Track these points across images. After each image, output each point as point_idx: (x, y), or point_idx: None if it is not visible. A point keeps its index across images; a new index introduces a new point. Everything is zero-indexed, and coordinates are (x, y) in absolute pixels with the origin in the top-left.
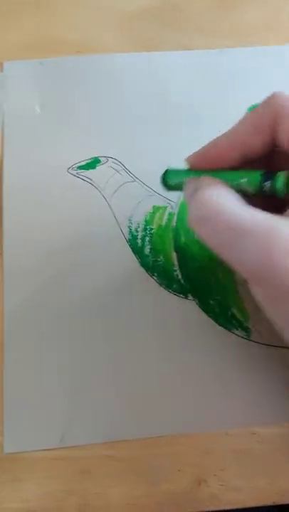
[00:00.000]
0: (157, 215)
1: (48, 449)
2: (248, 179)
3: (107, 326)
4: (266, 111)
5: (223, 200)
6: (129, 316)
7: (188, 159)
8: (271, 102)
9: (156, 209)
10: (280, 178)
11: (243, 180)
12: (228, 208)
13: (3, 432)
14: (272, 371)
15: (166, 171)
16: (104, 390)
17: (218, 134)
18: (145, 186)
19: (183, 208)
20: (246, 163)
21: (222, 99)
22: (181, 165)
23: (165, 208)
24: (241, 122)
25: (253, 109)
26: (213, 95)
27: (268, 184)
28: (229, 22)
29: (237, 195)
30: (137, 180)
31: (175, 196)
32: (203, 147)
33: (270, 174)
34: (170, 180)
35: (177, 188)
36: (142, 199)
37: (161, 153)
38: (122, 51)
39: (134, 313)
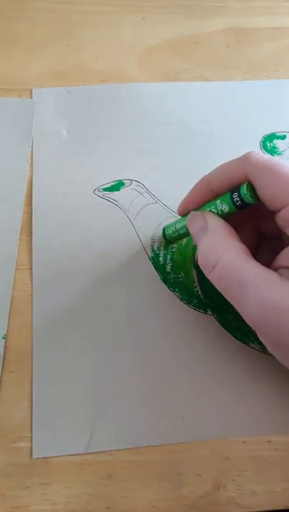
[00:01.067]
0: None
1: (74, 455)
2: (221, 199)
3: (131, 338)
4: (239, 167)
5: (229, 252)
6: (151, 329)
7: (178, 211)
8: (244, 159)
9: None
10: (243, 187)
11: (218, 201)
12: (233, 259)
13: (32, 438)
14: (287, 383)
15: (164, 228)
16: (128, 399)
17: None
18: (166, 208)
19: None
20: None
21: (238, 128)
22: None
23: None
24: (215, 173)
25: (227, 163)
26: (229, 123)
27: (235, 197)
28: (245, 57)
29: (243, 245)
30: (159, 202)
31: None
32: (185, 198)
33: (236, 188)
34: (167, 230)
35: (176, 237)
36: (164, 220)
37: (182, 177)
38: (143, 81)
39: (156, 326)
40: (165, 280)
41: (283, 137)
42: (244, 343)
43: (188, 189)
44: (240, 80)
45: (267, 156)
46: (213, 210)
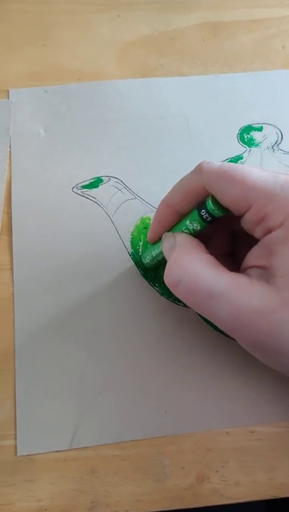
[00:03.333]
0: None
1: (58, 451)
2: (190, 219)
3: (113, 334)
4: (195, 181)
5: (195, 264)
6: (133, 324)
7: (149, 239)
8: (198, 172)
9: None
10: (209, 202)
11: (188, 221)
12: (200, 271)
13: (17, 436)
14: (269, 374)
15: (140, 258)
16: (111, 394)
17: (212, 155)
18: (145, 203)
19: None
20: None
21: (215, 121)
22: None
23: None
24: (174, 193)
25: (182, 180)
26: (206, 117)
27: (204, 213)
28: (221, 50)
29: (210, 256)
30: (137, 197)
31: None
32: (152, 226)
33: (202, 204)
34: (144, 259)
35: (155, 264)
36: (143, 215)
37: (160, 172)
38: (120, 79)
39: (137, 321)
40: (145, 275)
41: (260, 129)
42: (225, 335)
43: (167, 184)
44: (217, 74)
45: (218, 164)
46: (185, 230)
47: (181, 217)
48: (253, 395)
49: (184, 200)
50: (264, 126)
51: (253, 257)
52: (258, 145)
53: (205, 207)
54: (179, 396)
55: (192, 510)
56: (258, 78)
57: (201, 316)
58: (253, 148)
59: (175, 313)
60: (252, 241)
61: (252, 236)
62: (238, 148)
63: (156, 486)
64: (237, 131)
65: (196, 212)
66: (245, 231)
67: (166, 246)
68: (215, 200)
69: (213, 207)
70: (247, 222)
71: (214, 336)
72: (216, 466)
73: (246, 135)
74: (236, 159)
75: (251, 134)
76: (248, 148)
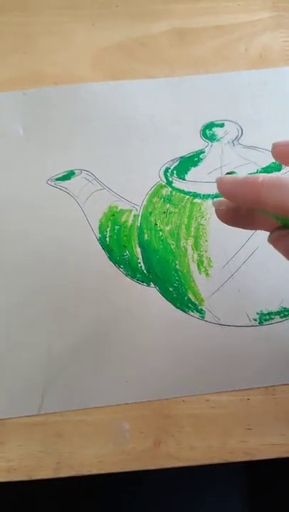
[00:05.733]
0: (123, 216)
1: (28, 416)
2: None
3: (80, 311)
4: None
5: None
6: (99, 302)
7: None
8: None
9: (122, 211)
10: None
11: None
12: None
13: None
14: (223, 347)
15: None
16: (77, 364)
17: (176, 149)
18: (113, 193)
19: (145, 210)
20: None
21: (179, 119)
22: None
23: (130, 210)
24: None
25: None
26: (172, 115)
27: None
28: (188, 54)
29: None
30: (105, 188)
31: (139, 200)
32: None
33: None
34: None
35: None
36: (110, 204)
37: (127, 166)
38: (94, 82)
39: (104, 300)
40: (111, 258)
41: (221, 125)
42: (183, 311)
43: (133, 176)
44: (182, 76)
45: None
46: None
47: None
48: (208, 366)
49: None
50: (225, 122)
51: None
52: (219, 140)
53: None
54: (139, 367)
55: (181, 471)
56: (221, 79)
57: (162, 294)
58: (215, 143)
59: (138, 291)
60: None
61: None
62: (201, 144)
63: (117, 448)
64: (200, 127)
65: None
66: None
67: None
68: None
69: None
70: None
71: (174, 312)
72: (172, 431)
73: (208, 131)
74: (198, 153)
75: (213, 130)
76: (210, 143)
